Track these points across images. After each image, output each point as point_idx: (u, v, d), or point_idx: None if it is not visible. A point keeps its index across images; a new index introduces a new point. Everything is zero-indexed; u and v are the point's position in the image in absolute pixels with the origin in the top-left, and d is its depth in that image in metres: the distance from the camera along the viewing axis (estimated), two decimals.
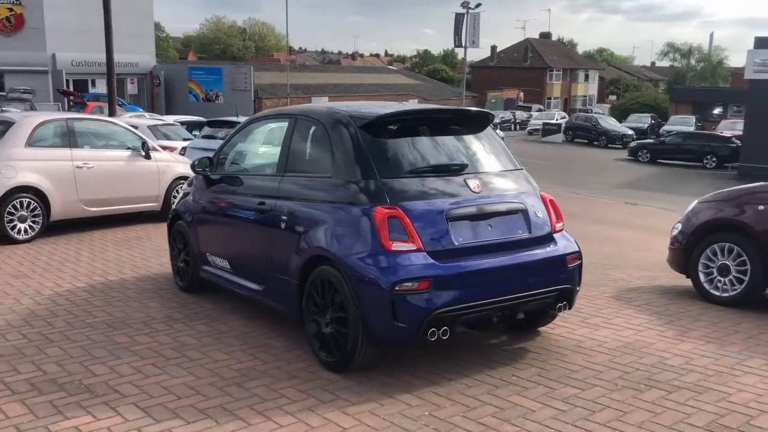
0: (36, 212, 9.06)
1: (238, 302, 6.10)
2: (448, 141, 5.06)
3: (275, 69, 40.48)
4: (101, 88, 37.07)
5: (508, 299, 4.62)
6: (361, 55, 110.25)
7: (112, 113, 19.68)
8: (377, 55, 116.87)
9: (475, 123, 5.31)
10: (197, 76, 37.17)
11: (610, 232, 13.14)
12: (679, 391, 4.35)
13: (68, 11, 33.67)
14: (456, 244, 4.48)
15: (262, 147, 5.77)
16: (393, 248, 4.31)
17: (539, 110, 57.30)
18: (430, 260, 4.34)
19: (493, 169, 5.08)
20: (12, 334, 5.32)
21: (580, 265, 5.10)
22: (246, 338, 5.29)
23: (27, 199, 8.98)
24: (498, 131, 31.08)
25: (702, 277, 6.71)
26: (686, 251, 6.89)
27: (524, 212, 4.90)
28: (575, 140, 42.61)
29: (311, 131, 5.17)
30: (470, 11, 35.64)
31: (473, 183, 4.77)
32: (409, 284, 4.23)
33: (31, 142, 9.18)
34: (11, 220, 8.86)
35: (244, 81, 35.50)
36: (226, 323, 5.65)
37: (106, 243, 9.01)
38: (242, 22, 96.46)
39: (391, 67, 73.36)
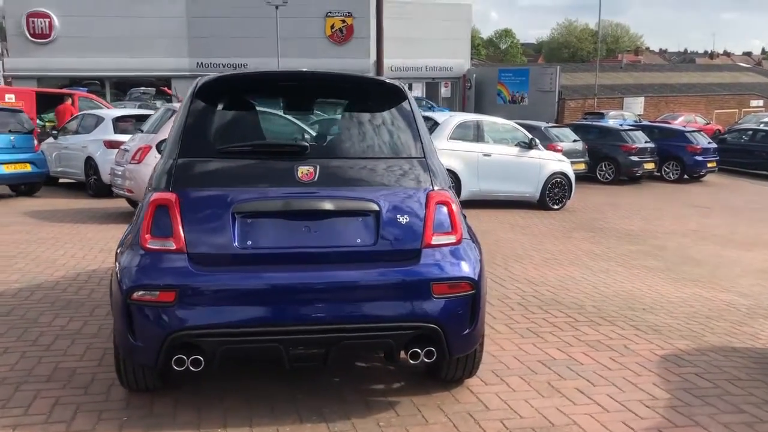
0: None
1: None
2: (309, 117, 3.88)
3: (596, 69, 38.06)
4: (416, 91, 39.12)
5: (311, 330, 3.34)
6: (728, 54, 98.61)
7: None
8: (749, 54, 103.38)
9: (367, 96, 3.99)
10: (506, 78, 36.75)
11: None
12: None
13: (392, 19, 36.06)
14: (238, 247, 3.36)
15: None
16: (147, 245, 3.38)
17: None
18: (187, 266, 3.31)
19: (362, 155, 3.72)
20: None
21: (469, 299, 3.48)
22: None
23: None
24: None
25: None
26: None
27: (376, 215, 3.50)
28: None
29: None
30: None
31: (304, 170, 3.53)
32: (148, 293, 3.28)
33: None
34: None
35: (549, 82, 34.06)
36: None
37: None
38: (594, 24, 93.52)
39: (743, 65, 63.68)
